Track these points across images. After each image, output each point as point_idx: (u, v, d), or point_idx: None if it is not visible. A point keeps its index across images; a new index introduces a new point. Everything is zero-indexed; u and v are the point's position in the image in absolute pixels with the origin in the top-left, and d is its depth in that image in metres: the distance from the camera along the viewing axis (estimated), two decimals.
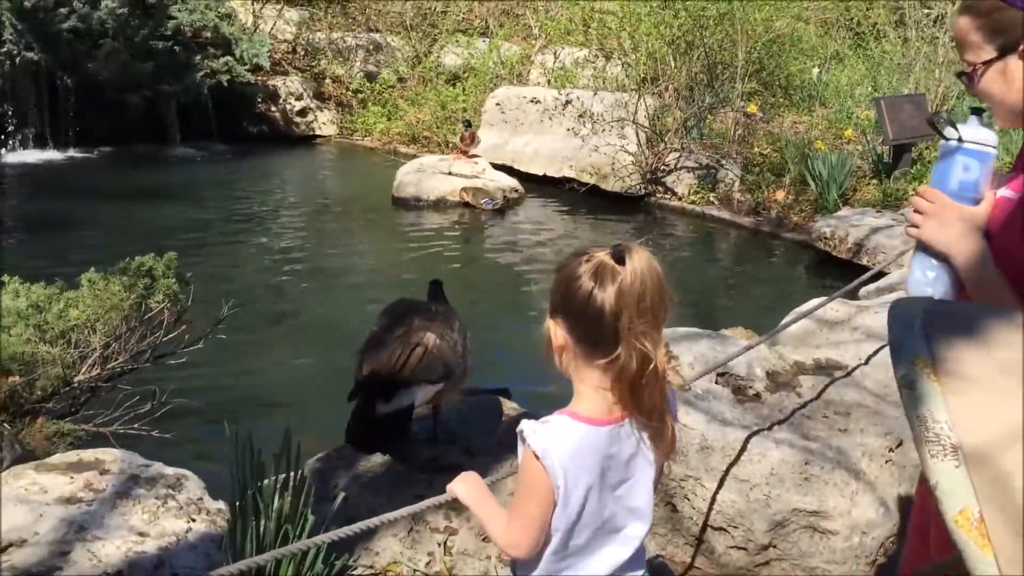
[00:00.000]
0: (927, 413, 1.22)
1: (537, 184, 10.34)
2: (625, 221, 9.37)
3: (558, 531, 1.59)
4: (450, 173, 9.78)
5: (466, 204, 9.38)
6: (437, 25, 14.29)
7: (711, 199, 9.44)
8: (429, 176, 9.72)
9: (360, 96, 13.93)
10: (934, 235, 1.68)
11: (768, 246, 8.53)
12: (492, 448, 3.28)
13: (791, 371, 3.70)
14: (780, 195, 9.02)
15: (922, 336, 1.31)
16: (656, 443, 1.63)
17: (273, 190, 10.63)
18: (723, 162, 9.50)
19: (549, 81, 12.92)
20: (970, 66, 1.69)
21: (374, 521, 2.02)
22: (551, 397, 4.75)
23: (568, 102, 10.44)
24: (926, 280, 1.70)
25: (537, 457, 1.53)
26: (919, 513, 2.05)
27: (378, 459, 3.19)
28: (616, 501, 1.62)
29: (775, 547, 3.04)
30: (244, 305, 5.53)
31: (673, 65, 10.05)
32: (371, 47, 14.69)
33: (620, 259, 1.52)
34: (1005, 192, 1.71)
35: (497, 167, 10.29)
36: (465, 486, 1.83)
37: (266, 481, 2.56)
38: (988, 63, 1.65)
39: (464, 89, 13.00)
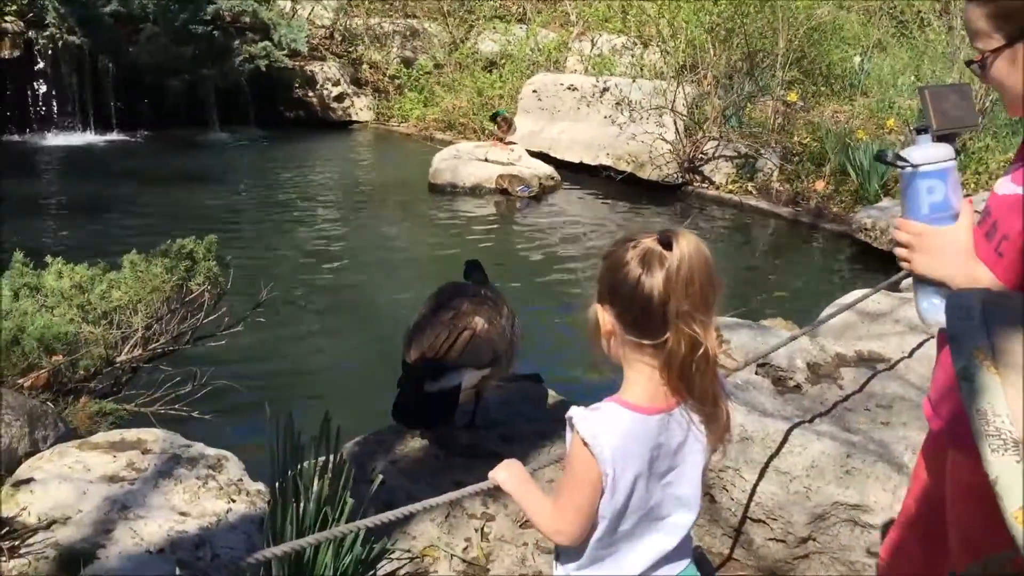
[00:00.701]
0: (987, 407, 1.19)
1: (573, 172, 10.30)
2: (662, 210, 9.31)
3: (604, 518, 1.57)
4: (486, 160, 9.77)
5: (502, 191, 9.37)
6: (474, 11, 14.26)
7: (749, 188, 9.34)
8: (465, 163, 9.72)
9: (397, 82, 13.95)
10: (925, 267, 1.65)
11: (807, 236, 8.43)
12: (530, 435, 3.28)
13: (832, 363, 3.65)
14: (820, 185, 8.90)
15: (982, 327, 1.29)
16: (710, 428, 1.62)
17: (310, 176, 10.69)
18: (762, 151, 9.39)
19: (586, 69, 12.85)
20: (980, 54, 1.65)
21: (415, 507, 2.02)
22: (583, 383, 4.78)
23: (605, 89, 10.37)
24: (934, 308, 1.65)
25: (586, 444, 1.52)
26: (915, 508, 2.00)
27: (416, 443, 3.20)
28: (663, 489, 1.61)
29: (815, 540, 3.01)
30: (282, 289, 5.59)
31: (712, 53, 9.94)
32: (408, 33, 14.69)
33: (668, 244, 1.51)
34: (1008, 187, 1.66)
35: (533, 154, 10.27)
36: (507, 474, 1.82)
37: (305, 463, 2.58)
38: (997, 51, 1.61)
39: (501, 76, 12.97)
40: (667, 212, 9.26)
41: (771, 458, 3.06)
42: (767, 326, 4.01)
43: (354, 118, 13.77)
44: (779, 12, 9.59)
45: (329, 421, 2.62)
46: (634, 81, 10.13)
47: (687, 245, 1.51)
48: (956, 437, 1.71)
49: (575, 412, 1.57)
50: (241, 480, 2.89)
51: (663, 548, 1.64)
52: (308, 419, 2.70)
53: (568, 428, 1.59)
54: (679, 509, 1.65)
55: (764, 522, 3.06)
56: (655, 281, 1.50)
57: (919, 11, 12.55)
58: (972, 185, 8.23)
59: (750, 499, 3.07)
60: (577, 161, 10.42)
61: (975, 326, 1.31)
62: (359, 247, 7.62)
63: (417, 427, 3.13)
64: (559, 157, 10.50)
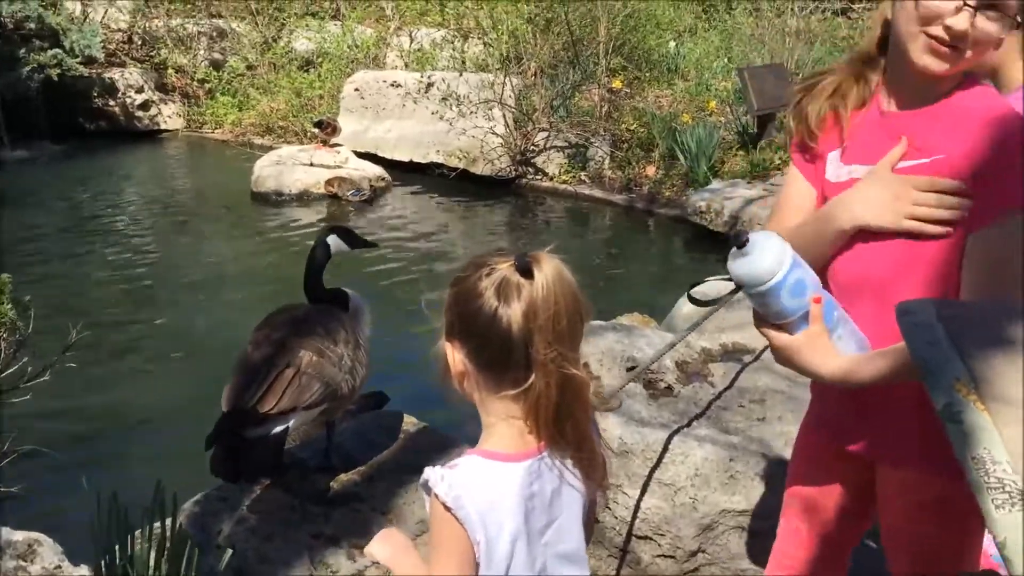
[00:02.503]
0: (984, 454, 1.00)
1: (403, 171, 9.97)
2: (497, 204, 9.15)
3: None
4: (311, 164, 9.30)
5: (332, 196, 8.93)
6: (284, 9, 13.62)
7: (582, 178, 9.32)
8: (290, 168, 9.21)
9: (207, 86, 13.16)
10: (800, 370, 1.54)
11: (644, 222, 8.47)
12: (392, 470, 2.98)
13: (700, 359, 3.54)
14: (650, 170, 8.97)
15: (953, 351, 1.10)
16: (585, 474, 1.40)
17: (118, 191, 9.87)
18: (592, 140, 9.38)
19: (406, 64, 12.53)
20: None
21: None
22: (430, 399, 4.49)
23: (430, 85, 10.10)
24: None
25: (448, 509, 1.28)
26: (798, 515, 1.90)
27: (266, 494, 2.83)
28: (545, 549, 1.37)
29: (704, 552, 2.87)
30: (96, 326, 5.00)
31: (534, 43, 9.86)
32: (215, 34, 13.89)
33: (527, 271, 1.29)
34: (841, 171, 1.64)
35: (360, 155, 9.87)
36: (385, 547, 1.52)
37: (138, 542, 2.19)
38: None
39: (319, 75, 12.45)
40: (503, 206, 9.11)
41: (653, 470, 2.90)
42: (629, 325, 3.86)
43: (162, 126, 12.87)
44: (598, 0, 9.60)
45: (163, 489, 2.24)
46: (462, 75, 9.91)
47: (549, 271, 1.29)
48: (901, 457, 1.61)
49: (430, 474, 1.32)
50: (60, 567, 2.45)
51: None
52: (136, 479, 2.32)
53: (424, 493, 1.34)
54: (567, 568, 1.41)
55: (651, 538, 2.89)
56: (514, 315, 1.28)
57: None
58: None
59: (634, 516, 2.90)
60: (407, 160, 10.10)
61: (946, 352, 1.12)
62: (181, 268, 7.02)
63: (236, 481, 2.73)
64: (388, 157, 10.15)
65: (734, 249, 1.47)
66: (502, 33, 9.68)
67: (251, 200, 9.10)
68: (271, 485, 2.83)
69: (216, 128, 12.76)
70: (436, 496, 1.29)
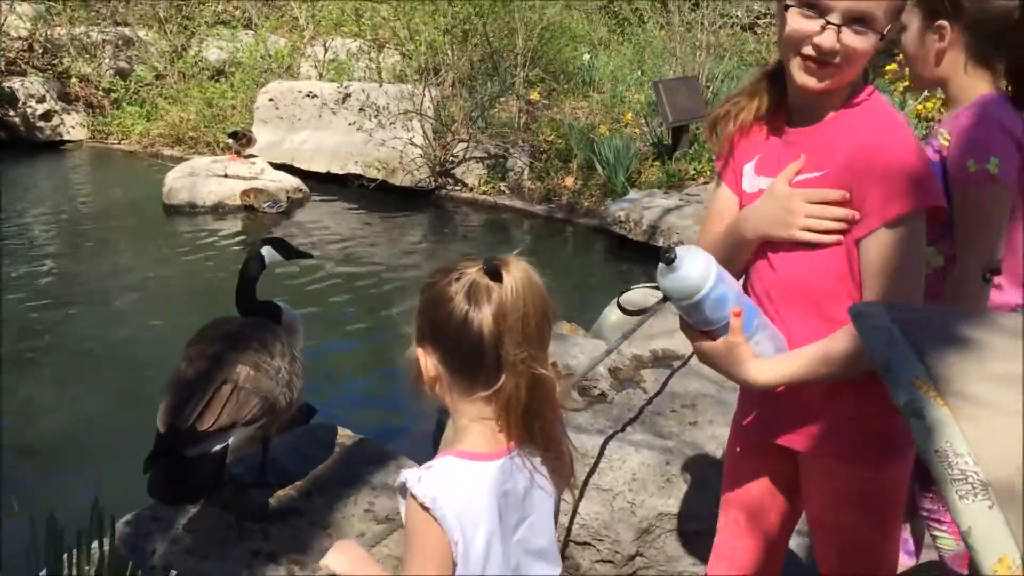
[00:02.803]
0: (946, 447, 1.05)
1: (321, 182, 9.85)
2: (417, 215, 9.12)
3: None
4: (226, 175, 9.12)
5: (248, 207, 8.77)
6: (194, 17, 13.33)
7: (502, 188, 9.36)
8: (203, 180, 9.01)
9: (113, 96, 12.78)
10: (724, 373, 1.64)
11: (563, 232, 8.55)
12: (330, 484, 2.94)
13: (632, 365, 3.60)
14: (569, 181, 9.07)
15: (912, 351, 1.15)
16: (553, 471, 1.43)
17: (20, 206, 9.45)
18: (511, 151, 9.44)
19: (321, 74, 12.40)
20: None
21: None
22: (358, 410, 4.46)
23: (348, 95, 10.02)
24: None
25: (426, 508, 1.29)
26: (735, 509, 1.98)
27: (202, 512, 2.76)
28: (517, 546, 1.39)
29: (642, 555, 2.91)
30: (8, 344, 4.81)
31: (451, 55, 9.88)
32: (120, 42, 13.50)
33: (495, 274, 1.33)
34: (757, 182, 1.72)
35: (276, 166, 9.72)
36: (342, 558, 1.51)
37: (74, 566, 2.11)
38: None
39: (232, 85, 12.22)
40: (423, 217, 9.08)
41: (589, 476, 2.93)
42: (562, 334, 3.90)
43: (66, 137, 12.42)
44: (516, 13, 9.67)
45: (101, 509, 2.17)
46: (382, 86, 9.86)
47: (518, 273, 1.33)
48: (820, 448, 1.70)
49: (407, 475, 1.34)
50: None
51: None
52: (63, 500, 2.23)
53: (400, 496, 1.36)
54: (539, 564, 1.44)
55: (590, 544, 2.92)
56: (485, 318, 1.31)
57: (637, 8, 13.18)
58: (708, 172, 8.70)
59: (571, 521, 2.92)
60: (324, 171, 9.99)
61: (905, 352, 1.17)
62: (92, 285, 6.77)
63: (178, 503, 2.65)
64: (304, 168, 10.02)
65: (662, 265, 1.54)
66: (420, 44, 9.67)
67: (164, 213, 8.87)
68: (206, 503, 2.76)
69: (123, 139, 12.41)
70: (414, 497, 1.30)
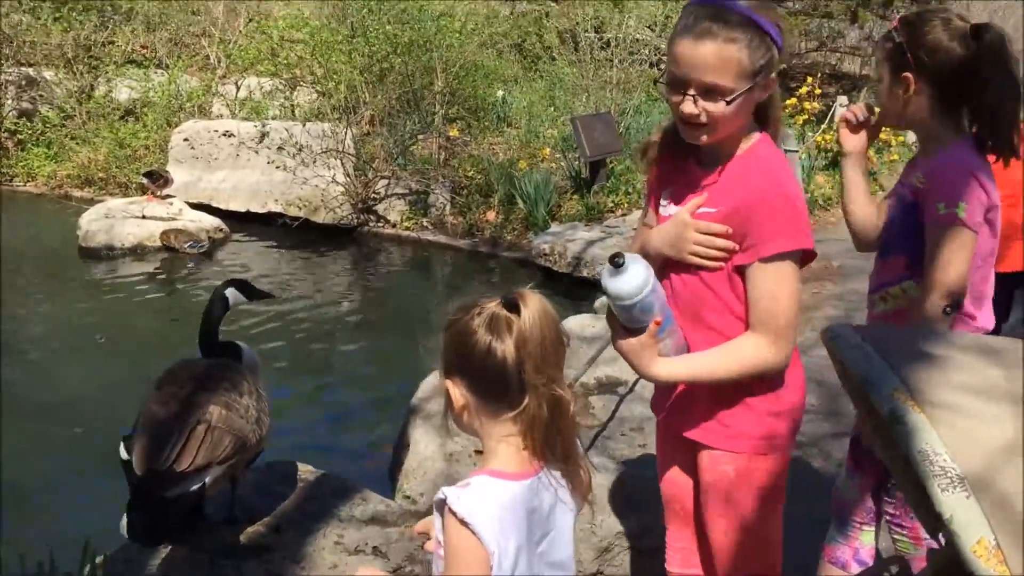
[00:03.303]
0: (926, 447, 1.22)
1: (242, 222, 9.79)
2: (341, 252, 9.16)
3: None
4: (144, 217, 9.00)
5: (168, 248, 8.66)
6: (102, 57, 13.10)
7: (425, 224, 9.48)
8: (120, 221, 8.86)
9: (17, 137, 12.45)
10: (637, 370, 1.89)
11: (488, 266, 8.69)
12: (298, 520, 2.99)
13: (580, 392, 3.74)
14: (491, 215, 9.24)
15: (886, 366, 1.32)
16: (573, 487, 1.58)
17: None
18: (432, 187, 9.57)
19: (232, 112, 12.34)
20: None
21: None
22: (301, 445, 4.47)
23: (265, 134, 10.01)
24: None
25: (465, 523, 1.41)
26: (672, 505, 2.21)
27: (174, 551, 2.77)
28: (539, 558, 1.53)
29: (602, 573, 3.04)
30: None
31: (369, 93, 9.98)
32: (24, 82, 13.18)
33: (514, 307, 1.47)
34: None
35: (194, 206, 9.63)
36: None
37: None
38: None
39: (144, 124, 12.05)
40: (346, 254, 9.12)
41: None
42: None
43: None
44: (435, 52, 9.85)
45: (94, 552, 2.19)
46: (304, 125, 9.88)
47: (534, 305, 1.48)
48: (710, 437, 1.98)
49: (448, 492, 1.46)
50: None
51: None
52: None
53: (437, 513, 1.48)
54: (557, 574, 1.57)
55: None
56: (507, 347, 1.46)
57: (548, 46, 13.53)
58: (625, 205, 8.99)
59: None
60: (244, 210, 9.95)
61: (882, 367, 1.33)
62: (12, 331, 6.59)
63: (159, 544, 2.69)
64: (223, 207, 9.97)
65: (609, 267, 1.76)
66: (339, 83, 9.74)
67: (80, 256, 8.68)
68: (177, 543, 2.78)
69: (28, 180, 12.09)
70: (453, 513, 1.41)
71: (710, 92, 1.79)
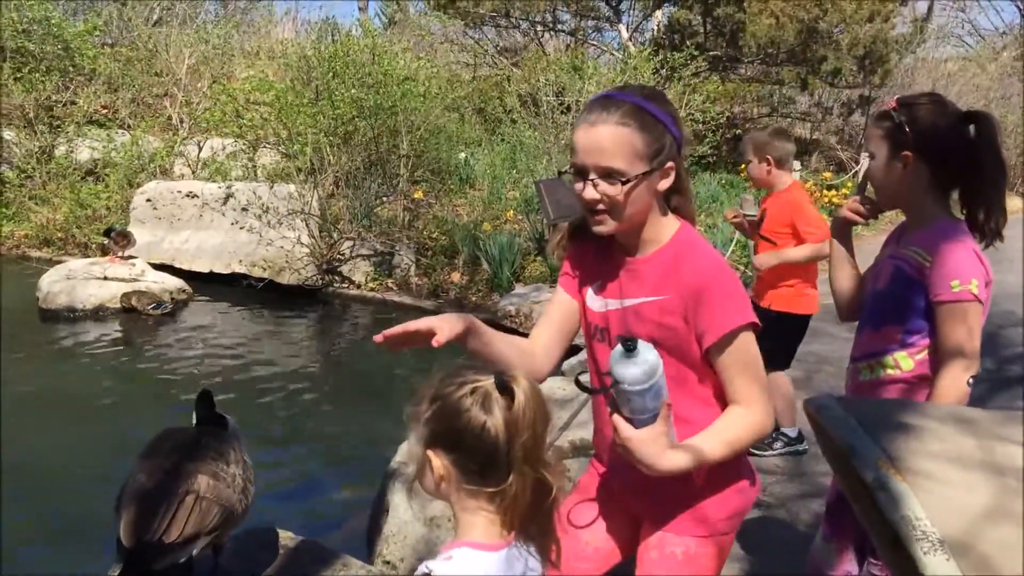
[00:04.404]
0: (909, 513, 1.31)
1: (205, 283, 9.77)
2: (305, 313, 9.16)
3: None
4: (105, 278, 8.94)
5: (130, 310, 8.61)
6: (63, 118, 13.10)
7: (389, 284, 9.54)
8: (82, 283, 8.79)
9: None
10: (639, 462, 1.83)
11: None
12: None
13: (553, 456, 3.80)
14: (456, 276, 9.34)
15: (869, 436, 1.42)
16: (543, 558, 1.62)
17: None
18: (397, 247, 9.66)
19: (194, 172, 12.38)
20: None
21: None
22: (286, 510, 4.46)
23: (230, 195, 10.05)
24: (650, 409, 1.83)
25: None
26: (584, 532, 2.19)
27: None
28: None
29: None
30: None
31: (334, 155, 10.10)
32: None
33: (506, 388, 1.52)
34: (596, 302, 2.06)
35: (157, 267, 9.60)
36: None
37: None
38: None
39: (106, 185, 12.02)
40: (311, 315, 9.13)
41: None
42: None
43: None
44: (399, 115, 10.02)
45: None
46: (272, 187, 9.94)
47: (524, 386, 1.53)
48: (664, 518, 2.02)
49: (432, 565, 1.50)
50: None
51: None
52: None
53: None
54: None
55: None
56: (499, 426, 1.49)
57: (509, 109, 13.80)
58: None
59: None
60: (207, 271, 9.93)
61: (865, 437, 1.43)
62: None
63: None
64: (186, 268, 9.95)
65: (620, 351, 1.75)
66: (304, 145, 9.85)
67: (40, 319, 8.58)
68: None
69: None
70: None
71: (608, 175, 1.84)
